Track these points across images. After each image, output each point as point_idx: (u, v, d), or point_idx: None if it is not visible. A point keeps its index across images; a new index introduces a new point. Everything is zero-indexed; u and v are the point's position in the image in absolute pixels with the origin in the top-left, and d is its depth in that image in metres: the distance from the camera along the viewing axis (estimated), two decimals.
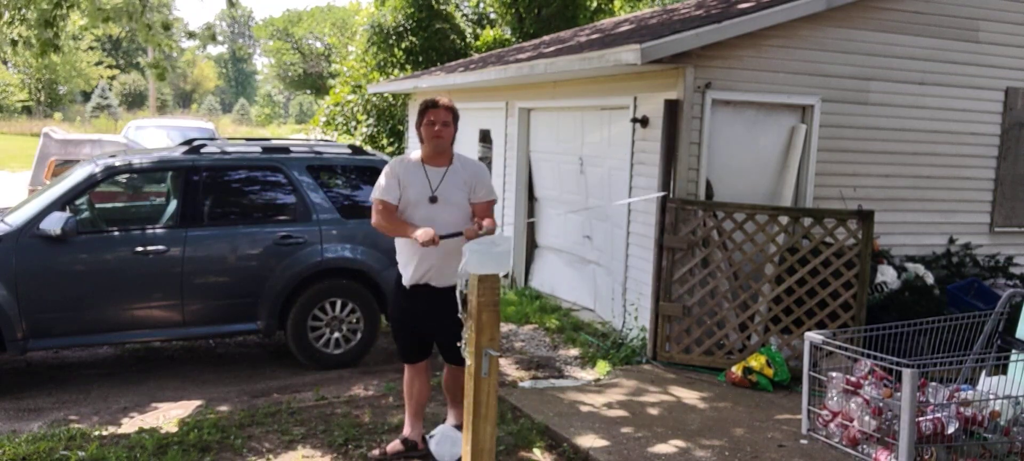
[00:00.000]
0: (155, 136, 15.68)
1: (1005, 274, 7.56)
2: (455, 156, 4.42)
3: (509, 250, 3.48)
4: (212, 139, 7.26)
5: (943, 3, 7.13)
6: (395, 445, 4.60)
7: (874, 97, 7.03)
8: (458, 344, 3.70)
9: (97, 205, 6.60)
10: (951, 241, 7.54)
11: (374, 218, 4.36)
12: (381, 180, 4.34)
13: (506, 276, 9.51)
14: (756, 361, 6.05)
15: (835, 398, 3.96)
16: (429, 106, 4.30)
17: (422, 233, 4.09)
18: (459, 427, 4.65)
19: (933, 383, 4.01)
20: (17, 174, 20.17)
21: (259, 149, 6.54)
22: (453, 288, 3.81)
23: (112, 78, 53.60)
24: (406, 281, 4.37)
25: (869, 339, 4.53)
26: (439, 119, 4.28)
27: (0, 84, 44.45)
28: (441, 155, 4.35)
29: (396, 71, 18.16)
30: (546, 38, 14.01)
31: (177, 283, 5.96)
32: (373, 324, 6.46)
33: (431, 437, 4.63)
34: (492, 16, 20.99)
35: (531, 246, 9.47)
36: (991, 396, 3.92)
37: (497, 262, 3.40)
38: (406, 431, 4.64)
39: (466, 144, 11.34)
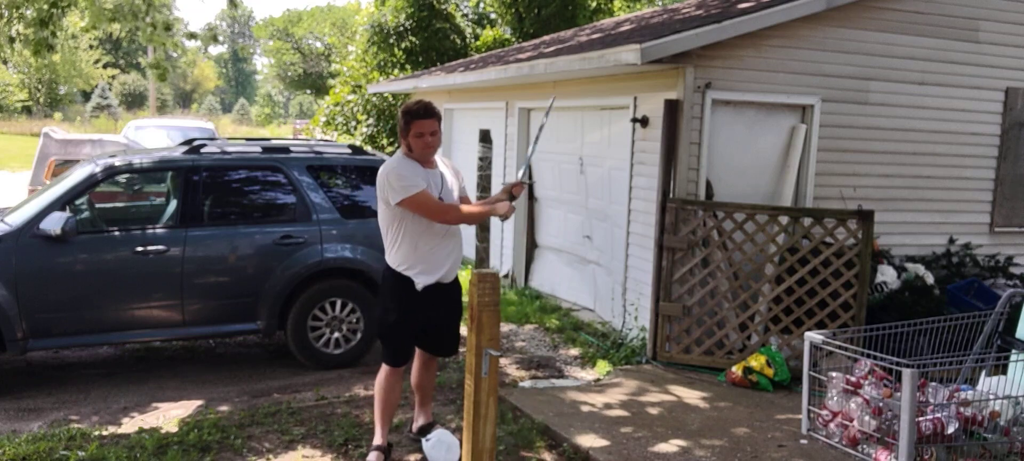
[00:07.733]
0: (155, 136, 15.69)
1: (1005, 274, 7.56)
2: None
3: None
4: (212, 139, 7.26)
5: (943, 3, 7.13)
6: (374, 457, 4.51)
7: (874, 97, 7.03)
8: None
9: (97, 205, 6.60)
10: (951, 241, 7.54)
11: (443, 212, 4.24)
12: (404, 179, 4.18)
13: (506, 276, 9.51)
14: (756, 361, 6.05)
15: (835, 398, 3.96)
16: (416, 116, 4.26)
17: (506, 207, 4.32)
18: (432, 425, 4.78)
19: (933, 383, 4.02)
20: (17, 174, 20.18)
21: (259, 149, 6.54)
22: (457, 280, 4.55)
23: (112, 78, 53.59)
24: (425, 283, 4.36)
25: (869, 339, 4.53)
26: (428, 129, 4.28)
27: (0, 84, 44.43)
28: (430, 159, 4.40)
29: (396, 71, 18.15)
30: (546, 38, 14.01)
31: (177, 283, 5.96)
32: (373, 324, 6.45)
33: (427, 440, 4.64)
34: (492, 16, 21.00)
35: (531, 246, 9.47)
36: (991, 396, 3.93)
37: None
38: (378, 439, 4.55)
39: (466, 144, 11.35)
